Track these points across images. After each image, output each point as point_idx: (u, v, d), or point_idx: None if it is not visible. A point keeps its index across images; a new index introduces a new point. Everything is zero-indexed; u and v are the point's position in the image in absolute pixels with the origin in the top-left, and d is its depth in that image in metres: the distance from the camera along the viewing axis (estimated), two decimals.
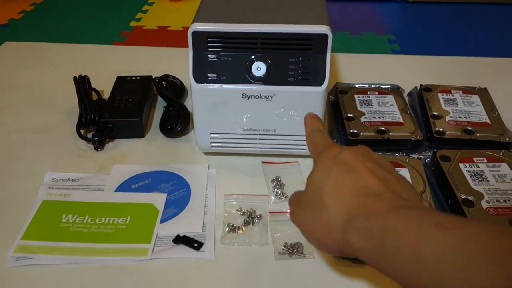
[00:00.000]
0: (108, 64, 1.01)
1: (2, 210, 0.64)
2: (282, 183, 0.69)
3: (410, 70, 1.00)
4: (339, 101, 0.82)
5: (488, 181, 0.64)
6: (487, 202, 0.60)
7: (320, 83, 0.64)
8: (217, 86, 0.65)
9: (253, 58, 0.64)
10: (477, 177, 0.64)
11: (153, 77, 0.88)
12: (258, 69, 0.64)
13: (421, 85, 0.86)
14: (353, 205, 0.37)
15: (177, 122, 0.78)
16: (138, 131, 0.78)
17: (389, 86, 0.87)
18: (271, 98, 0.65)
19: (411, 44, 1.19)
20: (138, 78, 0.87)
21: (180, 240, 0.59)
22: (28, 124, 0.82)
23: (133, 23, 1.29)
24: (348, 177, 0.38)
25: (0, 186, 0.68)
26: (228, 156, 0.74)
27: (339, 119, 0.80)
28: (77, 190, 0.67)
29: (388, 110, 0.79)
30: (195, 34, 0.63)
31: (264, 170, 0.72)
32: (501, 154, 0.69)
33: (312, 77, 0.64)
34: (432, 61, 1.04)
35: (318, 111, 0.66)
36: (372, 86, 0.87)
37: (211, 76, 0.65)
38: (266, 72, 0.64)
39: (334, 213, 0.38)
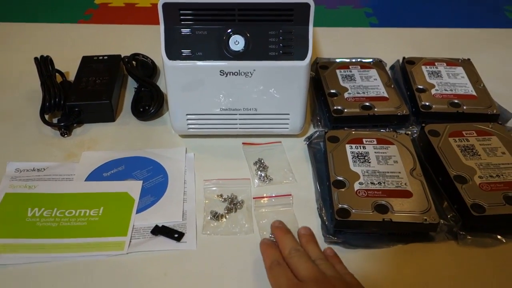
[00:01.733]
0: (73, 44, 0.94)
1: None
2: (265, 165, 0.65)
3: (390, 43, 0.97)
4: (320, 76, 0.78)
5: (479, 155, 0.61)
6: (480, 177, 0.58)
7: (302, 57, 0.60)
8: (192, 62, 0.60)
9: (230, 32, 0.59)
10: (468, 152, 0.62)
11: (122, 56, 0.82)
12: (236, 43, 0.60)
13: (403, 58, 0.83)
14: None
15: (150, 104, 0.73)
16: (108, 115, 0.72)
17: (371, 60, 0.83)
18: (251, 74, 0.61)
19: (389, 17, 1.16)
20: (105, 57, 0.81)
21: (159, 230, 0.55)
22: None
23: (98, 0, 1.21)
24: None
25: None
26: (207, 138, 0.70)
27: (321, 95, 0.77)
28: (43, 180, 0.61)
29: (372, 84, 0.76)
30: (166, 6, 0.58)
31: (245, 152, 0.67)
32: (490, 127, 0.66)
33: (294, 50, 0.60)
34: (411, 34, 1.01)
35: (301, 87, 0.62)
36: (354, 60, 0.83)
37: (185, 52, 0.60)
38: (244, 47, 0.60)
39: None
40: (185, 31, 0.59)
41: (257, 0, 0.58)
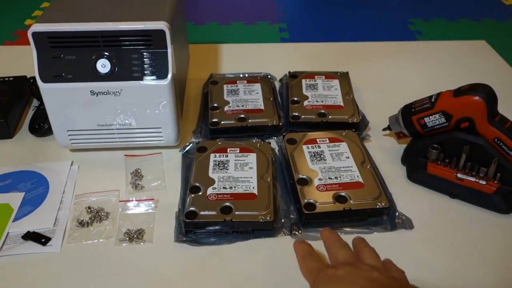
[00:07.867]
0: None
1: None
2: (141, 174, 0.72)
3: (288, 58, 1.04)
4: (209, 91, 0.86)
5: (325, 160, 0.69)
6: (320, 179, 0.65)
7: (164, 77, 0.67)
8: (64, 84, 0.67)
9: (97, 56, 0.66)
10: (316, 157, 0.69)
11: (28, 77, 0.89)
12: (103, 66, 0.67)
13: (288, 72, 0.91)
14: None
15: (45, 121, 0.79)
16: (5, 132, 0.79)
17: (262, 74, 0.91)
18: (119, 93, 0.68)
19: (301, 32, 1.24)
20: (11, 78, 0.88)
21: (29, 236, 0.62)
22: None
23: (28, 22, 1.28)
24: None
25: None
26: (95, 151, 0.76)
27: (207, 109, 0.84)
28: None
29: (252, 98, 0.83)
30: (36, 35, 0.64)
31: (126, 163, 0.74)
32: (344, 134, 0.74)
33: (156, 71, 0.67)
34: (308, 48, 1.08)
35: (167, 103, 0.69)
36: (241, 75, 0.91)
37: (58, 75, 0.67)
38: (110, 69, 0.67)
39: None
40: (55, 56, 0.66)
41: (117, 27, 0.65)
